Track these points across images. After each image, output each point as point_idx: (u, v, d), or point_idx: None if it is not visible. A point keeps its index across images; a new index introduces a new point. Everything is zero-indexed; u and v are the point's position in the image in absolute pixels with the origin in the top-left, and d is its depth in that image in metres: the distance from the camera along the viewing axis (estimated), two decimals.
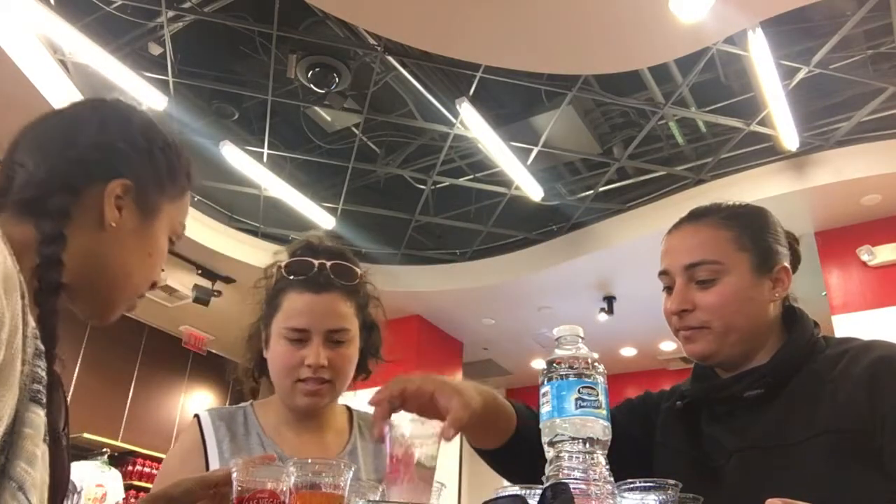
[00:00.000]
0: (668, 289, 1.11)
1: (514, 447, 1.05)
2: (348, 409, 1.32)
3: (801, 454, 0.95)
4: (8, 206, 0.76)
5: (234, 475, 0.82)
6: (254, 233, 5.97)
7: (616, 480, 0.77)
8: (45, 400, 0.64)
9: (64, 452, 0.72)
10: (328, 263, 1.17)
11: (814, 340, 1.06)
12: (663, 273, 1.12)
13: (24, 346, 0.61)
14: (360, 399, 1.32)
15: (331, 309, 1.16)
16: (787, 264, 1.10)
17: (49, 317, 0.69)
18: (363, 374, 1.26)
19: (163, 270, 0.88)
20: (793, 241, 1.15)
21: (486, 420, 0.97)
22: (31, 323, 0.64)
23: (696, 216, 1.13)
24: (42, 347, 0.66)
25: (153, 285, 0.87)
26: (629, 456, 0.86)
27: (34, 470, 0.61)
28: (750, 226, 1.10)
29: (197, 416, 1.22)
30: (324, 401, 1.18)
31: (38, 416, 0.63)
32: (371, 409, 1.33)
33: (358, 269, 1.21)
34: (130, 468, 6.39)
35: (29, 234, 0.72)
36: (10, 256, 0.62)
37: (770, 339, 1.08)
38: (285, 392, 1.18)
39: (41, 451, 0.63)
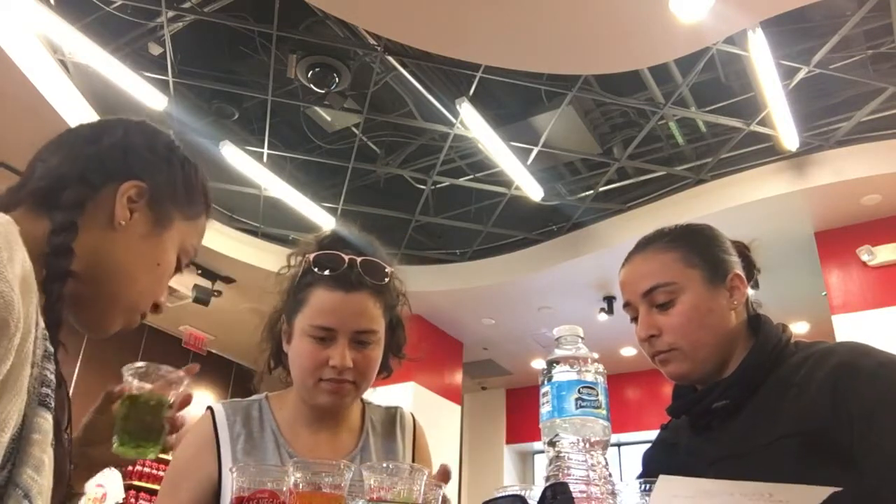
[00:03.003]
0: (635, 319, 1.15)
1: None
2: (362, 402, 1.28)
3: (768, 457, 0.97)
4: (25, 199, 0.75)
5: (234, 475, 0.82)
6: (254, 233, 5.96)
7: None
8: (53, 404, 0.64)
9: (66, 454, 0.71)
10: (359, 259, 1.13)
11: (781, 347, 1.08)
12: (626, 305, 1.16)
13: (34, 348, 0.60)
14: (378, 395, 1.31)
15: (360, 310, 1.12)
16: (739, 271, 1.13)
17: (54, 303, 0.68)
18: (385, 373, 1.23)
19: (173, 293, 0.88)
20: (743, 249, 1.19)
21: None
22: (42, 324, 0.64)
23: (643, 245, 1.18)
24: (52, 349, 0.66)
25: (156, 307, 0.86)
26: None
27: (41, 477, 0.60)
28: (695, 242, 1.15)
29: (210, 408, 1.18)
30: (346, 400, 1.16)
31: (46, 421, 0.62)
32: (381, 402, 1.32)
33: (388, 267, 1.16)
34: (130, 468, 6.38)
35: (42, 227, 0.72)
36: (28, 258, 0.61)
37: (737, 348, 1.10)
38: (307, 390, 1.14)
39: (48, 457, 0.62)
